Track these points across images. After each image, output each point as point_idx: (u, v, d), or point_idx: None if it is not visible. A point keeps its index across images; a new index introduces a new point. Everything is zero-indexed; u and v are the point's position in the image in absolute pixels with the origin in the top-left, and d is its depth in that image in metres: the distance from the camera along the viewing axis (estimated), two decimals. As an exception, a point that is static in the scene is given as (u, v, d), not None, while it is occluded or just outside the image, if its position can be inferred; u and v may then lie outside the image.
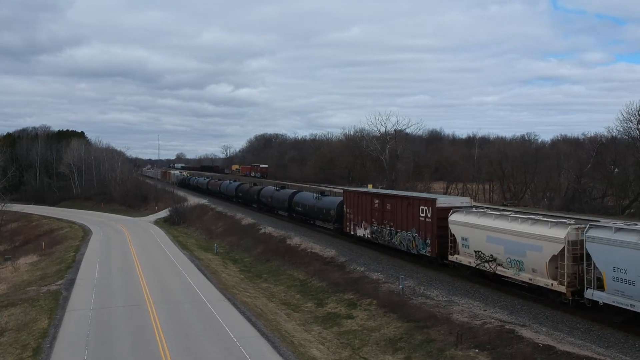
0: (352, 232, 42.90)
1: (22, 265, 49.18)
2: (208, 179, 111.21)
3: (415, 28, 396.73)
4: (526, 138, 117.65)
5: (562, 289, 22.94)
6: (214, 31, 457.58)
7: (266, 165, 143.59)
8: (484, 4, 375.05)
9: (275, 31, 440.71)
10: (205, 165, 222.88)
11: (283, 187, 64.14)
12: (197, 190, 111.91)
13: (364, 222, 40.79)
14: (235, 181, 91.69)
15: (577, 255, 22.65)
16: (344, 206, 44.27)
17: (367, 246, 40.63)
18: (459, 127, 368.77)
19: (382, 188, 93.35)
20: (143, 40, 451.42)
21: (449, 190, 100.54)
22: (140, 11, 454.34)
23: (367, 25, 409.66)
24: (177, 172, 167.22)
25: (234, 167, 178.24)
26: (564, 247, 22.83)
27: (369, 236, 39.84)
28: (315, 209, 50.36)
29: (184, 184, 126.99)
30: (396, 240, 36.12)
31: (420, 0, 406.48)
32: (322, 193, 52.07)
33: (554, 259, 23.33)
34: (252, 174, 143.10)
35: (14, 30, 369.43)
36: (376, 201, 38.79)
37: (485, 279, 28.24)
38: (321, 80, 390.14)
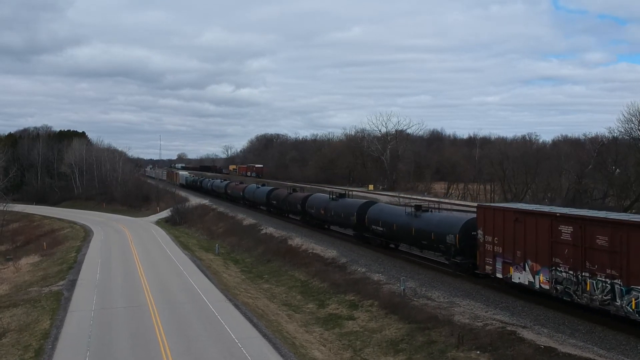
0: (497, 275, 26.83)
1: (24, 265, 49.29)
2: (227, 182, 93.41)
3: (416, 28, 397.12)
4: (527, 138, 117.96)
5: None
6: (214, 31, 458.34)
7: (262, 165, 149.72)
8: (485, 4, 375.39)
9: (275, 31, 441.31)
10: (205, 165, 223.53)
11: (342, 196, 48.18)
12: (212, 195, 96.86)
13: (529, 262, 24.85)
14: (264, 185, 73.89)
15: None
16: (479, 231, 28.13)
17: (543, 303, 24.56)
18: (460, 127, 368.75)
19: (382, 188, 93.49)
20: (144, 40, 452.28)
21: (450, 190, 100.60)
22: (140, 11, 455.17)
23: (367, 25, 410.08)
24: (186, 173, 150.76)
25: (232, 167, 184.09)
26: None
27: (546, 287, 23.90)
28: (413, 232, 33.66)
29: (195, 187, 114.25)
30: (629, 305, 20.00)
31: (421, 0, 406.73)
32: (419, 208, 34.99)
33: None
34: (249, 173, 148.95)
35: (14, 29, 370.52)
36: (566, 228, 22.95)
37: None
38: (322, 80, 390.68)
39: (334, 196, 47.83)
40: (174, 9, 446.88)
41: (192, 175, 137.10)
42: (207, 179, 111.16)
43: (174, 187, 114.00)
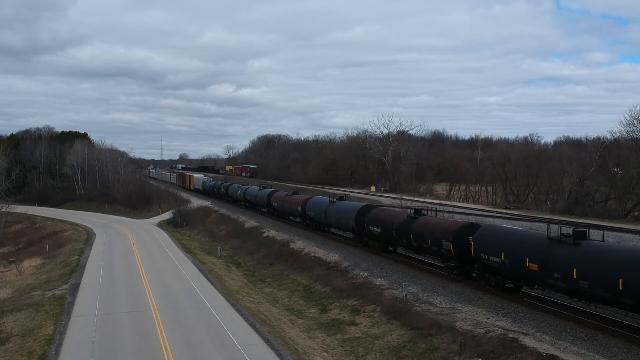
0: None
1: (27, 268, 49.38)
2: (271, 191, 68.60)
3: (419, 28, 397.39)
4: (529, 139, 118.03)
5: None
6: (216, 31, 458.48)
7: (255, 166, 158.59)
8: (488, 4, 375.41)
9: (277, 31, 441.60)
10: (205, 165, 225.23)
11: (582, 235, 23.28)
12: (245, 206, 77.54)
13: None
14: (341, 199, 48.50)
15: None
16: None
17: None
18: (462, 127, 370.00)
19: (384, 190, 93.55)
20: (145, 40, 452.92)
21: (451, 192, 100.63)
22: (142, 11, 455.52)
23: (370, 25, 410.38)
24: (202, 175, 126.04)
25: (228, 167, 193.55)
26: None
27: None
28: None
29: (217, 194, 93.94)
30: None
31: (424, 0, 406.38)
32: None
33: None
34: (243, 173, 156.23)
35: (15, 29, 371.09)
36: None
37: None
38: (324, 81, 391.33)
39: (564, 235, 23.44)
40: (175, 9, 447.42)
41: (211, 179, 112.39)
42: (235, 185, 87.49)
43: (193, 195, 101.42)
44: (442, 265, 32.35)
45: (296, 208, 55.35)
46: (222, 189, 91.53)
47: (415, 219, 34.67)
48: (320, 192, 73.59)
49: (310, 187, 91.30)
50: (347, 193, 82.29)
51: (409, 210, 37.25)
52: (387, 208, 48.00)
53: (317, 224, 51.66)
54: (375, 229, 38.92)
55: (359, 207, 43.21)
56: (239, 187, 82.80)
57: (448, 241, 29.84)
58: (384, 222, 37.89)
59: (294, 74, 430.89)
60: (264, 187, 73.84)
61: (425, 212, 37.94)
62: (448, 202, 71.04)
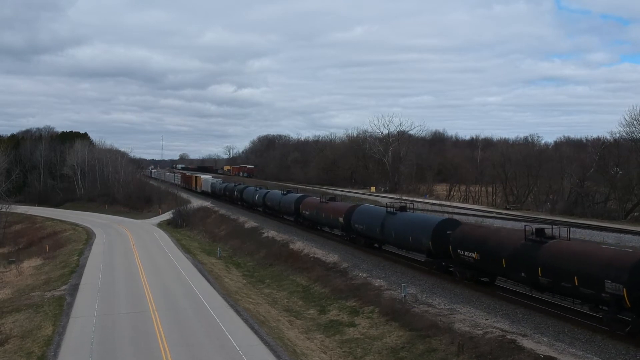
0: None
1: (26, 268, 49.45)
2: (299, 196, 57.33)
3: (419, 28, 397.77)
4: (529, 140, 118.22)
5: None
6: (216, 31, 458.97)
7: (253, 166, 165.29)
8: (488, 4, 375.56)
9: (278, 31, 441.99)
10: (205, 166, 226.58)
11: None
12: (264, 212, 67.77)
13: None
14: (403, 209, 38.35)
15: None
16: None
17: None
18: (462, 127, 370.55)
19: (384, 190, 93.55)
20: (145, 40, 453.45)
21: (451, 192, 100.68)
22: (142, 11, 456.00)
23: (370, 25, 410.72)
24: (210, 176, 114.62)
25: (226, 167, 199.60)
26: None
27: None
28: None
29: (229, 198, 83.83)
30: None
31: (424, 0, 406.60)
32: None
33: None
34: (240, 173, 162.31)
35: (15, 29, 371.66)
36: None
37: None
38: (324, 81, 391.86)
39: None
40: (175, 9, 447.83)
41: (221, 180, 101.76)
42: (252, 188, 75.78)
43: (200, 198, 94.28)
44: (601, 317, 21.67)
45: (337, 219, 45.27)
46: (235, 193, 79.77)
47: (542, 243, 24.26)
48: (320, 193, 73.51)
49: (311, 187, 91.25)
50: (346, 193, 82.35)
51: (527, 229, 25.92)
52: (484, 225, 37.51)
53: (366, 240, 41.28)
54: (468, 253, 28.53)
55: (436, 221, 32.72)
56: (257, 190, 71.42)
57: (617, 282, 20.21)
58: (484, 245, 27.54)
59: (294, 74, 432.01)
60: (289, 192, 63.36)
61: (551, 232, 25.73)
62: (447, 203, 71.07)
